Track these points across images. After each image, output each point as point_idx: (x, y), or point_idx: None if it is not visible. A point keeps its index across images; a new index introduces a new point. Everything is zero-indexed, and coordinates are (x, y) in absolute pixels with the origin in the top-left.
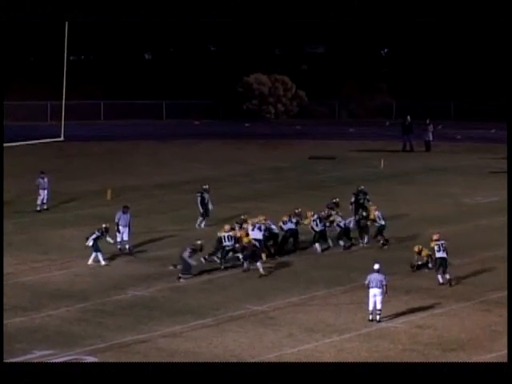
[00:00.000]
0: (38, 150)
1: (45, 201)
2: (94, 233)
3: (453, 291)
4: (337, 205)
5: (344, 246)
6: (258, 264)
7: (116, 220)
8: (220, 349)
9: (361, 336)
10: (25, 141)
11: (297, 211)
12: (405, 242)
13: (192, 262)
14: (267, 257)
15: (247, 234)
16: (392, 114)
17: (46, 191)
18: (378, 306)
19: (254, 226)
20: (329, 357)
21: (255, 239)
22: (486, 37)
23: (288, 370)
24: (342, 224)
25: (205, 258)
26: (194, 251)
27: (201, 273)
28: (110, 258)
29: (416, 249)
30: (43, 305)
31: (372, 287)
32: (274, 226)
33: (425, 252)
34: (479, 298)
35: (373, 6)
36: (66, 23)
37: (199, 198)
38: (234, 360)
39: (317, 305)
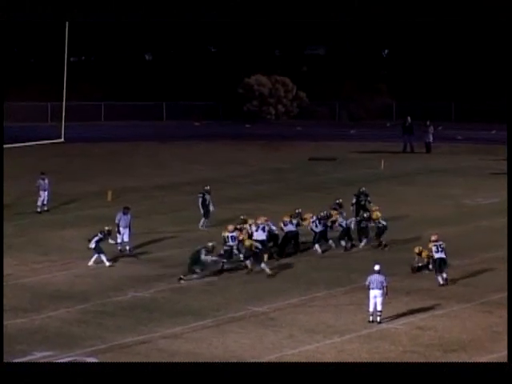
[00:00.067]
0: (39, 151)
1: (45, 202)
2: (97, 235)
3: (453, 292)
4: (340, 206)
5: (345, 247)
6: (263, 265)
7: (116, 221)
8: (220, 350)
9: (361, 337)
10: (25, 142)
11: (297, 211)
12: (405, 243)
13: (212, 258)
14: (268, 258)
15: (249, 237)
16: (392, 115)
17: (46, 192)
18: (379, 308)
19: (257, 226)
20: (329, 358)
21: (259, 240)
22: (486, 37)
23: (288, 370)
24: (343, 224)
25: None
26: (208, 252)
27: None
28: (111, 259)
29: (416, 250)
30: (43, 306)
31: (372, 288)
32: (274, 228)
33: (425, 253)
34: (480, 299)
35: (373, 5)
36: (67, 24)
37: (200, 199)
38: (235, 361)
39: (317, 306)
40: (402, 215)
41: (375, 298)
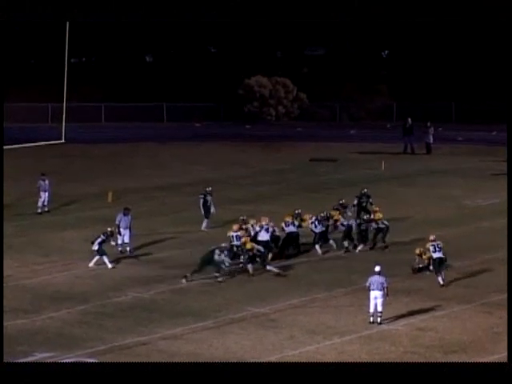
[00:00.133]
0: (39, 152)
1: (46, 203)
2: (100, 236)
3: (454, 293)
4: (343, 206)
5: (347, 247)
6: (269, 267)
7: (117, 222)
8: (221, 351)
9: (362, 338)
10: (26, 143)
11: (297, 212)
12: (406, 244)
13: (226, 258)
14: (272, 259)
15: (251, 239)
16: (393, 116)
17: (46, 193)
18: (379, 309)
19: (261, 227)
20: (330, 359)
21: (262, 241)
22: (486, 38)
23: (289, 371)
24: (345, 223)
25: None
26: (222, 252)
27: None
28: (113, 261)
29: (417, 251)
30: (44, 307)
31: (373, 289)
32: (276, 229)
33: (426, 255)
34: (480, 300)
35: (373, 5)
36: (67, 25)
37: (202, 200)
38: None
39: (318, 307)
40: (402, 216)
41: (376, 299)
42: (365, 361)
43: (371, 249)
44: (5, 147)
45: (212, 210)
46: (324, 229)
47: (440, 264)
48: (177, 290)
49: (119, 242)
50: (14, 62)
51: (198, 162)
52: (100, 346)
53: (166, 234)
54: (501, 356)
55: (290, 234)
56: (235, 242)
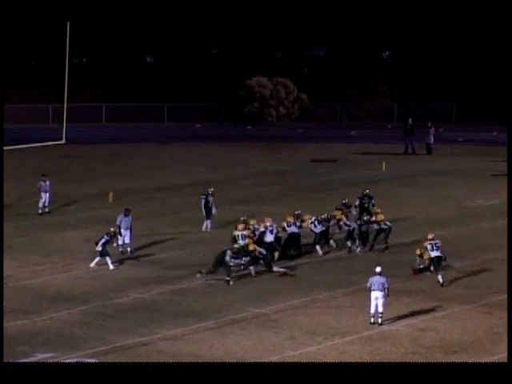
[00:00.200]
0: (40, 152)
1: (46, 203)
2: (103, 237)
3: (454, 294)
4: (346, 206)
5: (349, 248)
6: (275, 269)
7: (117, 223)
8: (221, 351)
9: (362, 339)
10: (26, 143)
11: (296, 213)
12: (406, 244)
13: (236, 260)
14: (278, 259)
15: (257, 241)
16: (393, 116)
17: (47, 194)
18: (380, 309)
19: (265, 228)
20: (330, 359)
21: (267, 242)
22: (486, 38)
23: (289, 371)
24: (348, 224)
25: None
26: (234, 254)
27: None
28: (115, 262)
29: (418, 251)
30: (44, 308)
31: (374, 290)
32: (278, 229)
33: (426, 255)
34: (481, 300)
35: (373, 5)
36: (68, 25)
37: (203, 201)
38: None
39: (318, 307)
40: (403, 217)
41: (376, 299)
42: (366, 361)
43: (370, 249)
44: (5, 148)
45: (214, 210)
46: (324, 229)
47: (438, 263)
48: (177, 291)
49: (120, 242)
50: (14, 63)
51: (198, 162)
52: (101, 347)
53: (166, 234)
54: (501, 356)
55: (292, 234)
56: (240, 242)
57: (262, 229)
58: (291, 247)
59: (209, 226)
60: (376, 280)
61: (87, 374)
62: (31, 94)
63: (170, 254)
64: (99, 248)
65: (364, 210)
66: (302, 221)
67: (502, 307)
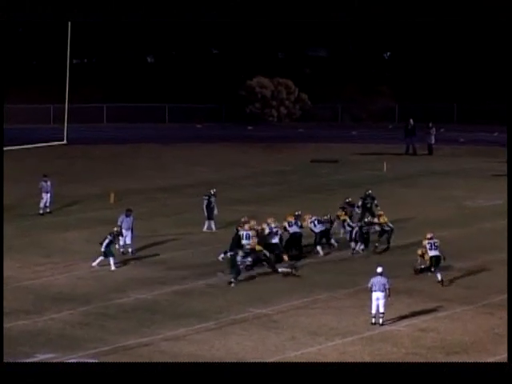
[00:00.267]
0: (41, 153)
1: (48, 204)
2: (107, 237)
3: (455, 294)
4: (350, 204)
5: (354, 249)
6: (281, 270)
7: (119, 223)
8: (223, 352)
9: (363, 339)
10: (27, 144)
11: (297, 213)
12: (408, 245)
13: (246, 262)
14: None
15: (259, 243)
16: (395, 117)
17: (48, 194)
18: (381, 310)
19: (270, 229)
20: (331, 360)
21: (272, 243)
22: (487, 39)
23: (290, 371)
24: (352, 224)
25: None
26: (246, 254)
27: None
28: (118, 262)
29: (419, 252)
30: (46, 308)
31: (375, 290)
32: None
33: (428, 255)
34: (482, 301)
35: (373, 5)
36: (69, 26)
37: (206, 202)
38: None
39: (319, 308)
40: (404, 217)
41: (377, 300)
42: (366, 362)
43: (379, 252)
44: (6, 148)
45: (215, 211)
46: (324, 228)
47: (437, 262)
48: (179, 291)
49: (121, 243)
50: (15, 63)
51: (199, 163)
52: (102, 347)
53: (167, 235)
54: (502, 357)
55: (294, 234)
56: (245, 241)
57: (267, 230)
58: (293, 247)
59: (213, 227)
60: (377, 280)
61: (88, 374)
62: (32, 94)
63: (172, 255)
64: (103, 249)
65: (366, 210)
66: (303, 221)
67: (503, 308)
